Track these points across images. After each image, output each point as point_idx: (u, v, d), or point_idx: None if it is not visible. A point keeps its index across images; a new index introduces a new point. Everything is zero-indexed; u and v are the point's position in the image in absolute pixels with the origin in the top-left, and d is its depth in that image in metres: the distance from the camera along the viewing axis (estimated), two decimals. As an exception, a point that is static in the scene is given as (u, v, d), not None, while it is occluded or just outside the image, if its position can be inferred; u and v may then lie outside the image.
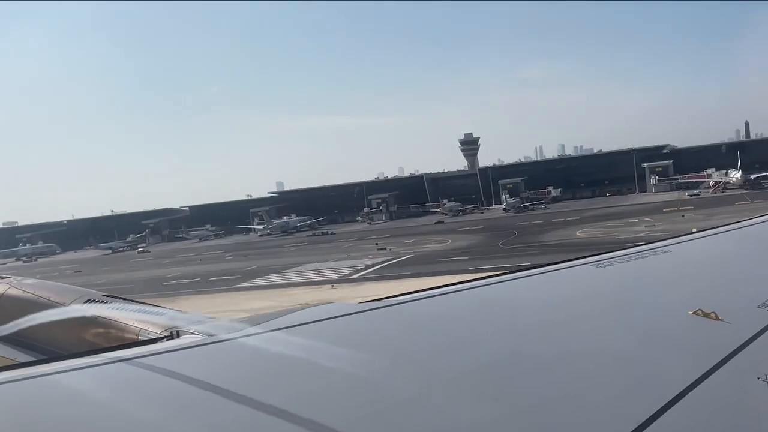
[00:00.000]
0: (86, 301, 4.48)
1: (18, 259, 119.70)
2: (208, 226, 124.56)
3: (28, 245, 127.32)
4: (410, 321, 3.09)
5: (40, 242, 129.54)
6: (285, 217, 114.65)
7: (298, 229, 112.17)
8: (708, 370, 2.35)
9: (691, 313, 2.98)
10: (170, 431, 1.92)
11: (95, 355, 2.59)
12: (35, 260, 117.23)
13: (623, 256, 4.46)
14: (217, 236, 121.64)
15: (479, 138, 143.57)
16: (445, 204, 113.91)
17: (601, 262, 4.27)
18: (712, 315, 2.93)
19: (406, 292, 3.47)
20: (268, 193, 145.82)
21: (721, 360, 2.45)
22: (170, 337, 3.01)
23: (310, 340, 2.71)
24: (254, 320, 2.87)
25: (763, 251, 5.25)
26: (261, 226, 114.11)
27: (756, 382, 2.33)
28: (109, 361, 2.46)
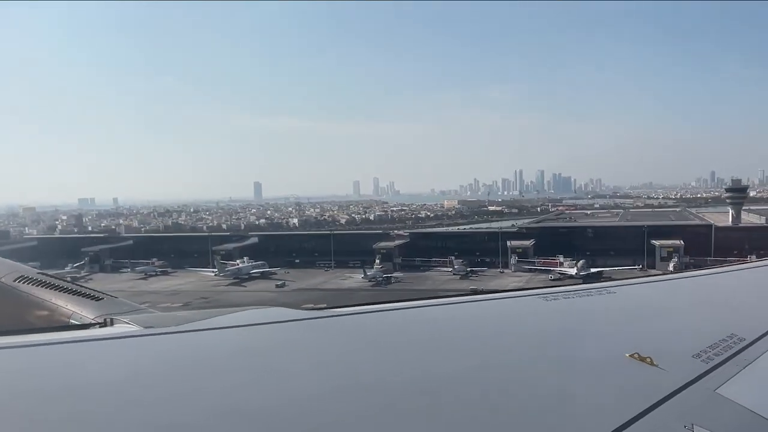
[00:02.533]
0: (19, 278, 4.14)
1: (237, 278, 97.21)
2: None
3: (239, 262, 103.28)
4: (346, 333, 3.12)
5: (245, 258, 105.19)
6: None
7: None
8: (637, 415, 2.38)
9: (627, 355, 3.04)
10: (91, 421, 1.85)
11: (22, 336, 2.51)
12: (284, 285, 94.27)
13: (569, 293, 4.54)
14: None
15: (748, 187, 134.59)
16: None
17: (548, 295, 4.35)
18: (648, 360, 2.99)
19: (359, 303, 3.55)
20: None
21: (651, 405, 2.50)
22: (103, 324, 2.95)
23: (242, 342, 2.75)
24: (192, 316, 2.89)
25: (705, 302, 5.20)
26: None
27: (682, 431, 2.38)
28: (36, 343, 2.40)
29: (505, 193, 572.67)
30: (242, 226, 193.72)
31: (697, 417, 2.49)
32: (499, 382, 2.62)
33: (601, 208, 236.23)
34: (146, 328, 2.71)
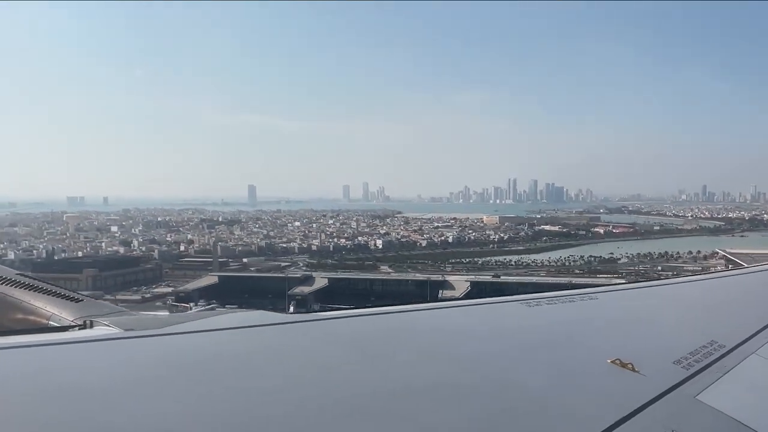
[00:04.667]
0: None
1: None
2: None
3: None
4: (329, 338, 3.11)
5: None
6: None
7: None
8: (617, 421, 2.39)
9: (609, 361, 3.07)
10: (71, 424, 1.84)
11: None
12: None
13: (552, 298, 4.57)
14: None
15: None
16: None
17: (530, 301, 4.38)
18: (629, 366, 3.02)
19: (346, 307, 3.55)
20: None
21: (632, 411, 2.51)
22: (83, 326, 2.97)
23: (224, 345, 2.74)
24: (174, 319, 2.90)
25: (686, 309, 5.31)
26: None
27: None
28: (13, 345, 2.40)
29: (498, 201, 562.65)
30: (330, 246, 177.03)
31: (678, 423, 2.52)
32: (480, 388, 2.62)
33: (666, 230, 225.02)
34: (126, 330, 2.70)
